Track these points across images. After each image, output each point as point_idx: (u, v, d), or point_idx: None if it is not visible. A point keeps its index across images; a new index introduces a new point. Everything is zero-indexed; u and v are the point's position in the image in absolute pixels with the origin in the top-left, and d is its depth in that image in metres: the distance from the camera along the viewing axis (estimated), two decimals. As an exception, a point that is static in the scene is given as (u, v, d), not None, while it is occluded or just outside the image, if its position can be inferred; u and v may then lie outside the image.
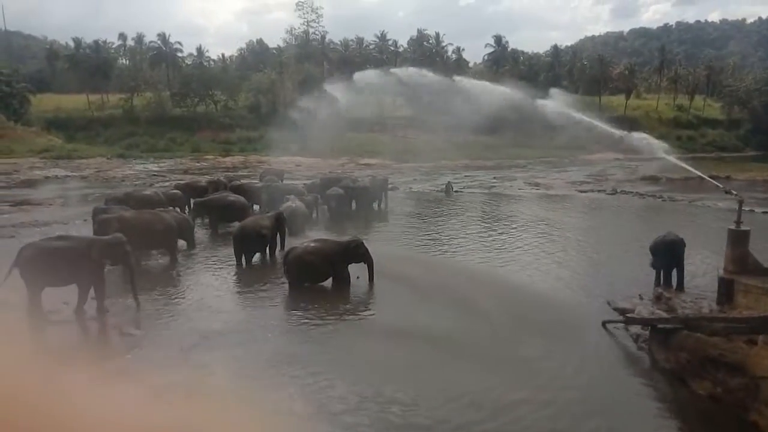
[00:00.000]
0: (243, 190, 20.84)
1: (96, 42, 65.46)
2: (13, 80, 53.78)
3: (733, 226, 10.88)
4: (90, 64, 62.43)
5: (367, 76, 32.56)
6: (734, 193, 11.84)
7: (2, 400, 5.61)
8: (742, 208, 11.09)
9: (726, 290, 10.52)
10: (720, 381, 7.83)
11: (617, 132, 15.99)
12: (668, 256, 12.30)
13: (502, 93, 19.68)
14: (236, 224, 16.10)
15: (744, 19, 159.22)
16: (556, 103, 18.15)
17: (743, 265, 10.58)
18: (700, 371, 8.11)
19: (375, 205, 23.32)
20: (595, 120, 17.22)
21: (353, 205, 22.26)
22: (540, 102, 19.78)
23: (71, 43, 66.08)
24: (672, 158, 14.86)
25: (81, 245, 10.82)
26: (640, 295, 11.77)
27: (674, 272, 12.39)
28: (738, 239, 10.72)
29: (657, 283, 12.52)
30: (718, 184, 13.44)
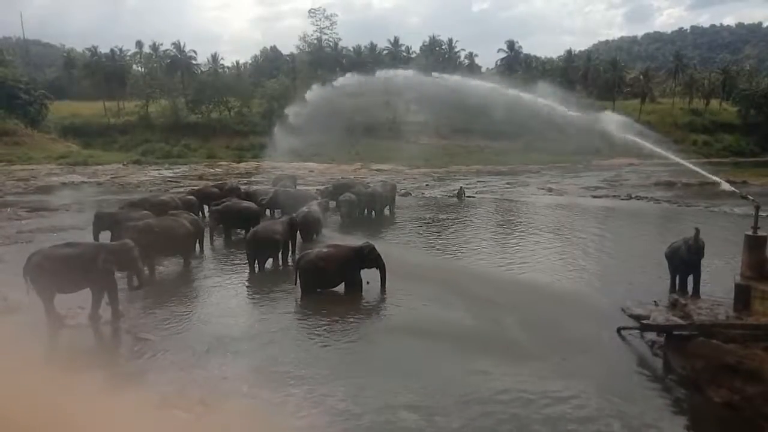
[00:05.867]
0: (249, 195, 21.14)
1: (112, 50, 66.35)
2: (31, 88, 54.67)
3: (750, 232, 10.74)
4: (106, 72, 63.31)
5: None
6: (751, 198, 11.70)
7: (15, 404, 5.68)
8: (759, 214, 10.95)
9: (743, 297, 10.38)
10: (737, 389, 7.71)
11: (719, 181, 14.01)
12: (684, 262, 12.20)
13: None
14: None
15: (760, 23, 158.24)
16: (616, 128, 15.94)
17: (760, 271, 10.43)
18: (717, 379, 8.00)
19: (386, 210, 23.35)
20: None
21: (365, 210, 22.30)
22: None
23: (88, 51, 67.07)
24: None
25: (88, 252, 10.91)
26: (655, 301, 11.66)
27: (690, 278, 12.26)
28: (755, 245, 10.58)
29: (672, 289, 12.40)
30: (735, 190, 13.26)
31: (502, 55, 78.84)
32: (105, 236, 15.84)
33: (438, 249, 17.48)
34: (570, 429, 7.31)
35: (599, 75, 72.60)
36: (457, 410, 7.62)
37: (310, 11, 78.31)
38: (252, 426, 7.24)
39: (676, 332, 9.10)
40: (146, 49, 74.72)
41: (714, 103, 70.67)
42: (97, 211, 17.42)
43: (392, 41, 77.93)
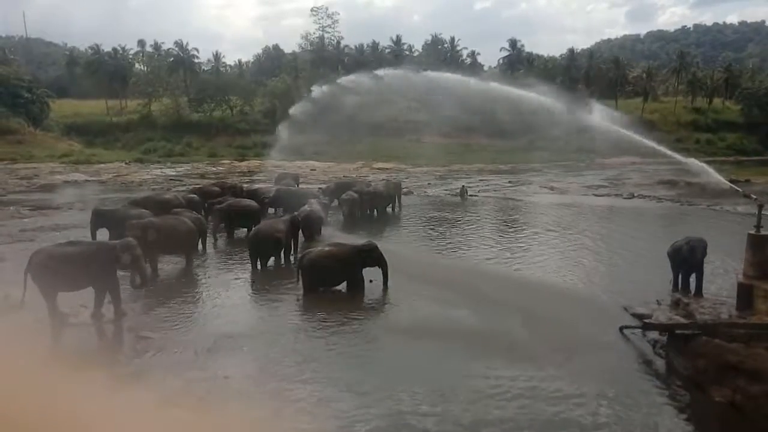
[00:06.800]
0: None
1: (114, 49, 66.38)
2: (33, 86, 54.70)
3: (752, 231, 10.72)
4: (109, 71, 63.33)
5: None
6: (754, 197, 11.67)
7: (16, 402, 5.68)
8: (762, 212, 10.91)
9: (746, 296, 10.36)
10: (739, 388, 7.69)
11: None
12: (686, 261, 12.18)
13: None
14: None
15: (763, 21, 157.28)
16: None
17: (763, 270, 10.40)
18: (719, 378, 7.98)
19: (389, 209, 23.36)
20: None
21: (368, 209, 22.29)
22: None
23: (90, 50, 67.11)
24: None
25: (90, 250, 10.94)
26: (657, 300, 11.64)
27: (692, 277, 12.24)
28: (758, 244, 10.55)
29: (675, 288, 12.38)
30: (738, 189, 13.23)
31: (505, 53, 78.79)
32: (103, 234, 15.89)
33: (440, 248, 17.46)
34: (570, 427, 7.31)
35: (602, 73, 72.42)
36: (463, 418, 7.51)
37: (312, 10, 78.48)
38: (254, 427, 7.23)
39: (678, 331, 9.08)
40: (148, 48, 74.90)
41: (717, 101, 70.49)
42: (95, 208, 17.45)
43: (394, 40, 77.97)
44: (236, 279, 13.72)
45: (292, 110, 34.18)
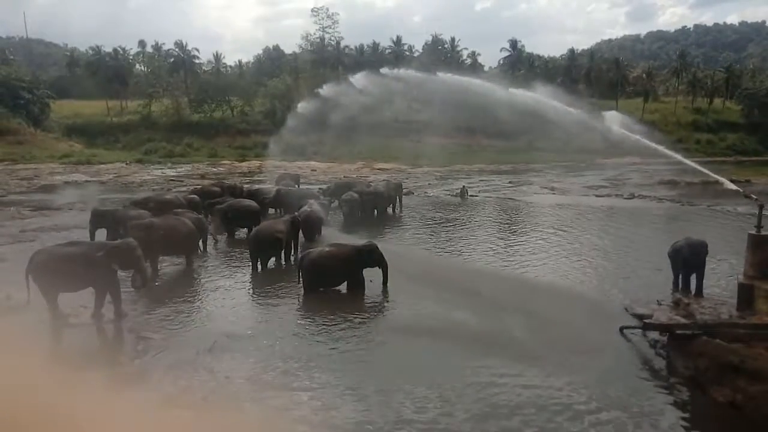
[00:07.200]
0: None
1: (115, 49, 66.45)
2: (33, 87, 54.77)
3: (753, 231, 10.71)
4: (109, 71, 63.41)
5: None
6: (754, 197, 11.66)
7: (17, 403, 5.68)
8: (763, 212, 10.90)
9: (746, 296, 10.35)
10: (740, 388, 7.69)
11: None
12: (687, 261, 12.18)
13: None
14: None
15: (763, 21, 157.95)
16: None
17: (764, 271, 10.40)
18: (720, 378, 7.98)
19: (390, 210, 23.37)
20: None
21: (368, 209, 22.28)
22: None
23: (91, 51, 67.19)
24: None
25: (91, 250, 10.93)
26: (658, 300, 11.64)
27: (693, 277, 12.24)
28: (758, 244, 10.55)
29: (675, 288, 12.38)
30: (738, 189, 13.22)
31: (505, 54, 78.89)
32: (102, 235, 15.90)
33: (441, 248, 17.46)
34: (571, 426, 7.31)
35: (602, 74, 72.53)
36: (464, 427, 7.42)
37: (312, 10, 78.66)
38: (255, 427, 7.23)
39: (679, 331, 9.08)
40: (149, 49, 75.02)
41: (717, 102, 70.57)
42: (94, 208, 17.46)
43: (394, 40, 78.01)
44: (237, 279, 13.72)
45: (299, 108, 34.06)
